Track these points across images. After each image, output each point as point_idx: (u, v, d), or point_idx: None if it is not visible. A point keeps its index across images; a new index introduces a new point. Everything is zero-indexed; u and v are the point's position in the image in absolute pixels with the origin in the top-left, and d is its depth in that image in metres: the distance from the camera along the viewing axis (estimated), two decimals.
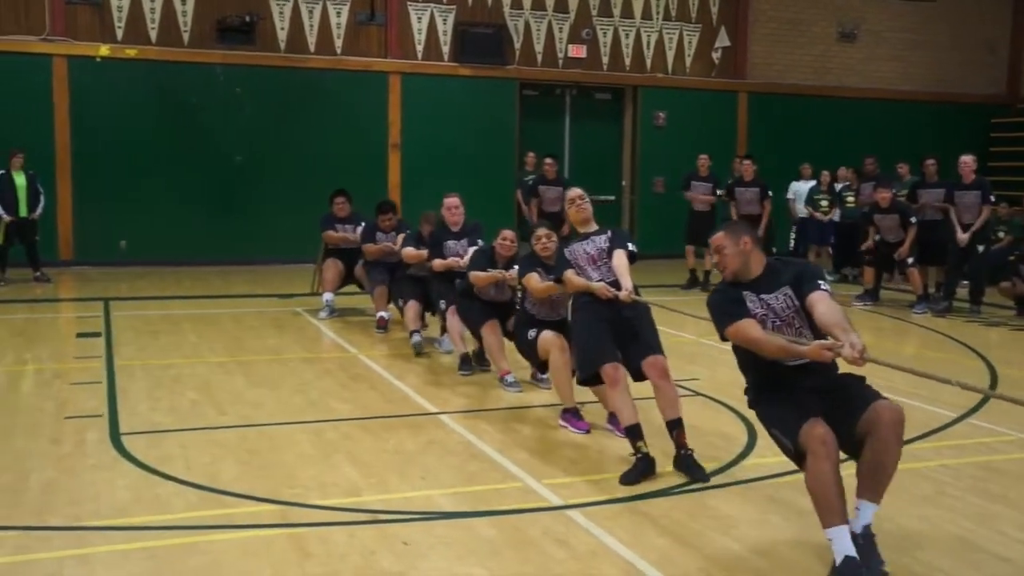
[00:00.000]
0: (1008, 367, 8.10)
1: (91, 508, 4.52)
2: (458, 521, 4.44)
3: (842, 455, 3.80)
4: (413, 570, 3.90)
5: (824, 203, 13.77)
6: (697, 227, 12.54)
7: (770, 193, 12.71)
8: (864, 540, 3.73)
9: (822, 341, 3.64)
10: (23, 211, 12.01)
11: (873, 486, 3.76)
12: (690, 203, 12.88)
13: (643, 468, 5.01)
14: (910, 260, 10.99)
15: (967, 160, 11.15)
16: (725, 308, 3.94)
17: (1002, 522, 4.51)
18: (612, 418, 5.93)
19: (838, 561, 3.63)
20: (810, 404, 3.80)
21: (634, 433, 5.11)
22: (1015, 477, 5.20)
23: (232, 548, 4.10)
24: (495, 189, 14.55)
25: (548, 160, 12.89)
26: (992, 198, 11.10)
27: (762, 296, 3.96)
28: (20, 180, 12.01)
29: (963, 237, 10.82)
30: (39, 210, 12.19)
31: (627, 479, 4.95)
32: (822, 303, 3.75)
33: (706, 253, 12.63)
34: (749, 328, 3.84)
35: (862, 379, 4.02)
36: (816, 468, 3.66)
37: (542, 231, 6.19)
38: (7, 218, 11.90)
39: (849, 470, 3.84)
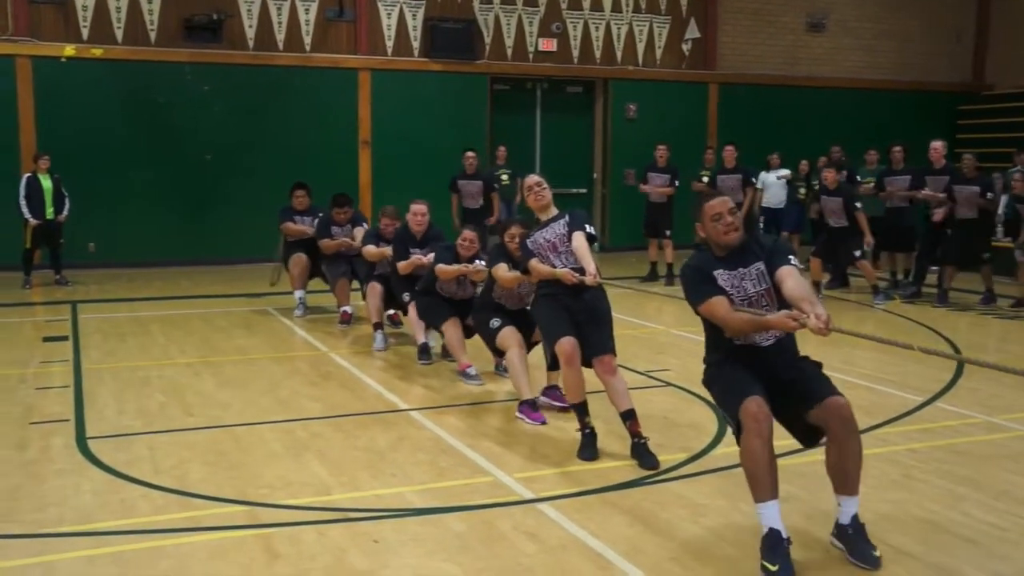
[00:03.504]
0: (975, 351, 8.19)
1: (56, 514, 4.47)
2: (429, 517, 4.42)
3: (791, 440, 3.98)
4: (384, 568, 3.88)
5: (803, 190, 13.86)
6: (655, 218, 12.51)
7: (753, 180, 12.75)
8: (853, 530, 3.90)
9: (788, 311, 3.73)
10: (49, 214, 11.97)
11: (844, 482, 3.89)
12: (647, 195, 12.65)
13: (593, 442, 5.29)
14: (857, 253, 10.73)
15: (937, 146, 11.21)
16: (697, 286, 4.04)
17: (968, 504, 4.55)
18: (548, 390, 6.21)
19: (763, 532, 3.78)
20: (753, 384, 3.90)
21: (581, 410, 5.34)
22: (980, 459, 5.25)
23: (200, 550, 4.07)
24: None
25: (468, 153, 12.60)
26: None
27: (736, 271, 4.03)
28: (47, 183, 11.97)
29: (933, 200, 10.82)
30: (65, 212, 12.16)
31: (585, 455, 5.22)
32: (791, 277, 3.87)
33: (651, 245, 12.61)
34: (718, 306, 3.94)
35: (819, 366, 4.09)
36: (747, 444, 3.80)
37: (514, 229, 6.16)
38: (34, 221, 11.84)
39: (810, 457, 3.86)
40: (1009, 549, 4.05)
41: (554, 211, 5.63)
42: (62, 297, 11.39)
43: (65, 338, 8.79)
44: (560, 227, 5.53)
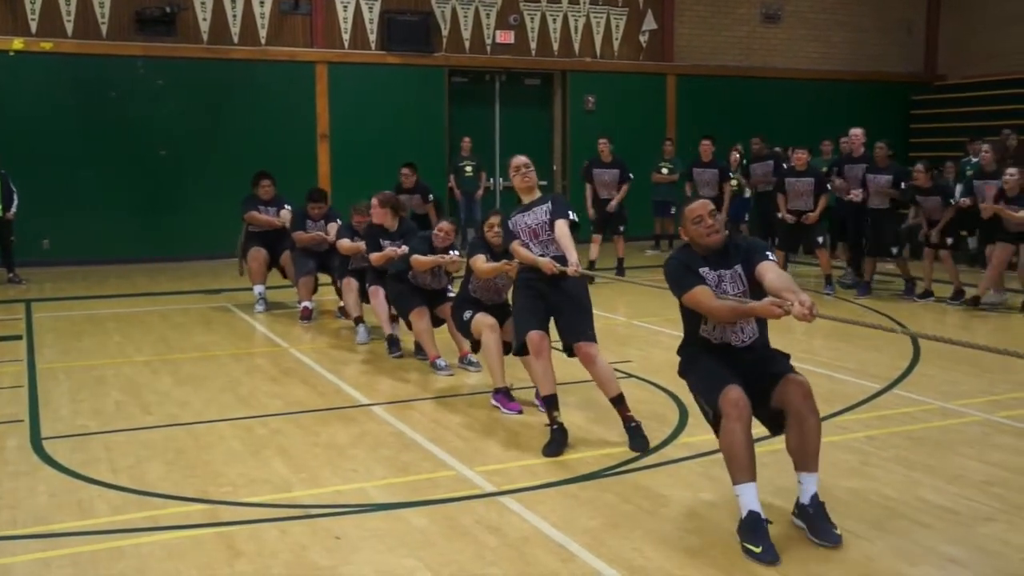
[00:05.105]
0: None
1: (9, 517, 4.39)
2: (390, 513, 4.40)
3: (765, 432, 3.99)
4: (345, 564, 3.86)
5: (735, 182, 13.90)
6: (602, 214, 11.74)
7: (731, 175, 12.75)
8: (814, 509, 3.97)
9: (772, 298, 3.78)
10: None
11: (803, 458, 3.99)
12: (596, 194, 11.76)
13: (560, 438, 5.24)
14: (820, 239, 10.68)
15: (856, 133, 11.12)
16: (681, 277, 4.12)
17: (923, 489, 4.63)
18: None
19: (743, 515, 3.88)
20: (730, 374, 3.99)
21: (551, 403, 5.31)
22: (935, 444, 5.34)
23: (159, 550, 4.02)
24: (425, 177, 14.41)
25: (404, 170, 12.21)
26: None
27: (718, 271, 4.13)
28: None
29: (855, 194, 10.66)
30: (13, 209, 11.89)
31: (549, 451, 5.17)
32: (771, 271, 3.96)
33: (594, 241, 12.38)
34: (702, 295, 4.02)
35: (787, 357, 4.18)
36: (727, 428, 3.91)
37: (493, 219, 6.17)
38: None
39: (776, 445, 3.91)
40: (962, 532, 4.13)
41: (537, 194, 5.60)
42: (15, 295, 11.18)
43: (19, 337, 8.64)
44: (542, 213, 5.45)
